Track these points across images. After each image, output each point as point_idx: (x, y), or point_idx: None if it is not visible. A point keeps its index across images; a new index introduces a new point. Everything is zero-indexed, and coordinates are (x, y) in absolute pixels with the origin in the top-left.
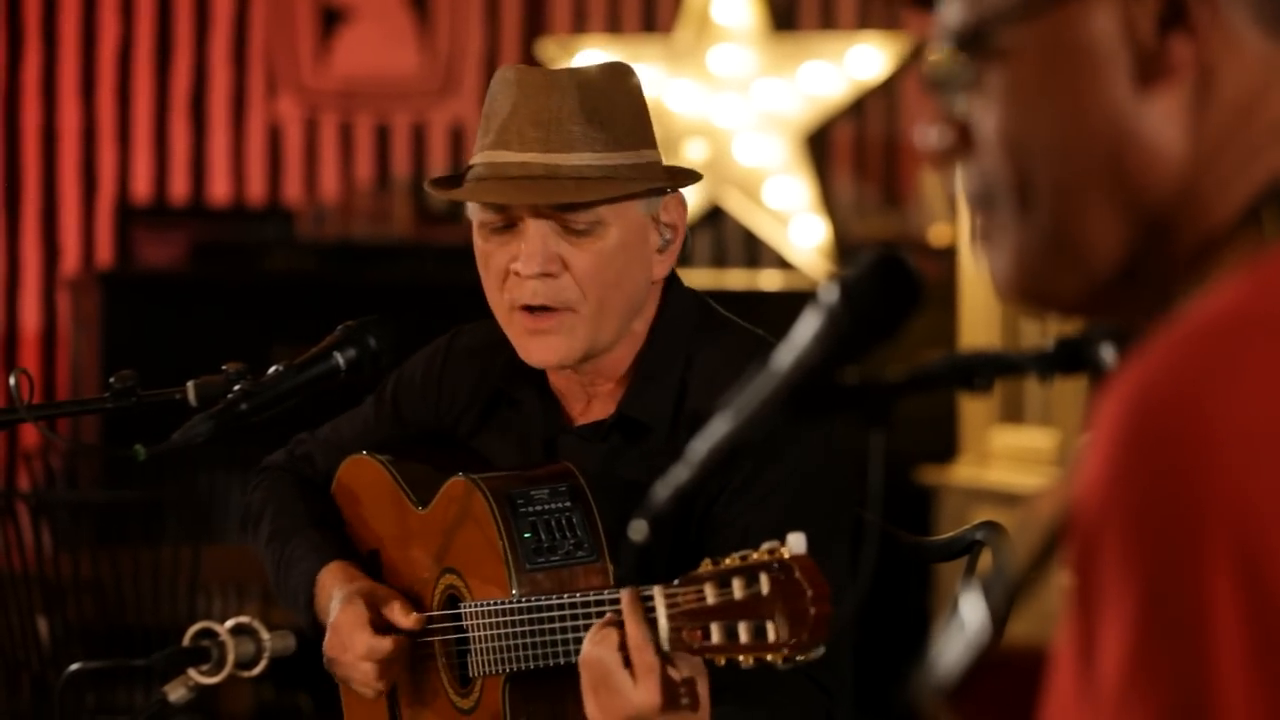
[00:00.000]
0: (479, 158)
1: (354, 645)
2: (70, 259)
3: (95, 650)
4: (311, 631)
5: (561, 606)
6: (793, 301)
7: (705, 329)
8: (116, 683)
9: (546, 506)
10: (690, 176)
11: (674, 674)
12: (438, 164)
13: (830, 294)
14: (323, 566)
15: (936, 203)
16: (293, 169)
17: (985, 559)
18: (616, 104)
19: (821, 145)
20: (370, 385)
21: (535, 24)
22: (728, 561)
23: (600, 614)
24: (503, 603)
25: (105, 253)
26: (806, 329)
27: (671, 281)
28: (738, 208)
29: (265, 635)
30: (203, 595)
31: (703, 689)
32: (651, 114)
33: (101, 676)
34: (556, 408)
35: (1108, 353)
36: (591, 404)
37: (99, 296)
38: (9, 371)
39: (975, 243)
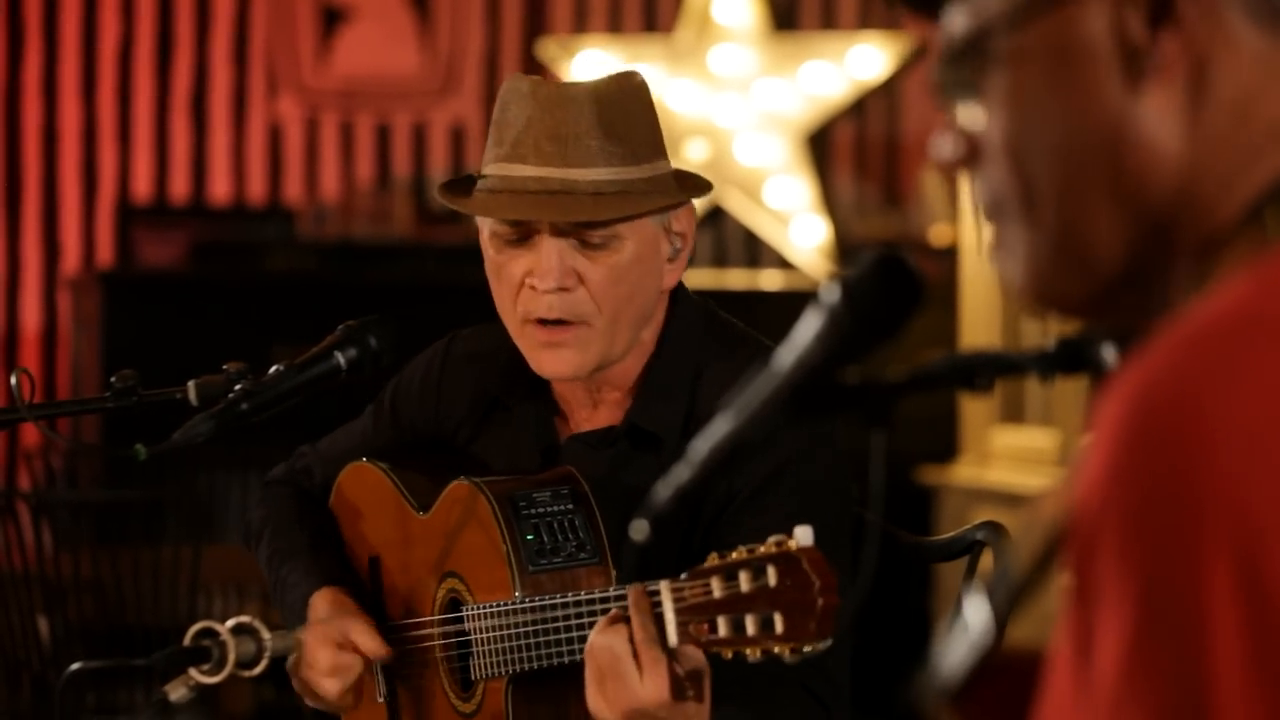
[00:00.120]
0: (492, 169)
1: (316, 661)
2: (71, 259)
3: (96, 650)
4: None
5: (565, 605)
6: (793, 301)
7: (713, 338)
8: (117, 682)
9: (549, 509)
10: (701, 185)
11: (679, 669)
12: (438, 164)
13: (831, 294)
14: (314, 592)
15: (937, 203)
16: (293, 169)
17: (986, 559)
18: (631, 116)
19: (822, 145)
20: (371, 385)
21: (536, 24)
22: (734, 555)
23: (605, 612)
24: (506, 604)
25: (106, 252)
26: (808, 329)
27: (678, 289)
28: (738, 208)
29: (266, 635)
30: (203, 595)
31: (706, 683)
32: None
33: (102, 676)
34: (558, 414)
35: (1108, 353)
36: (597, 411)
37: (99, 296)
38: (9, 371)
39: (990, 251)
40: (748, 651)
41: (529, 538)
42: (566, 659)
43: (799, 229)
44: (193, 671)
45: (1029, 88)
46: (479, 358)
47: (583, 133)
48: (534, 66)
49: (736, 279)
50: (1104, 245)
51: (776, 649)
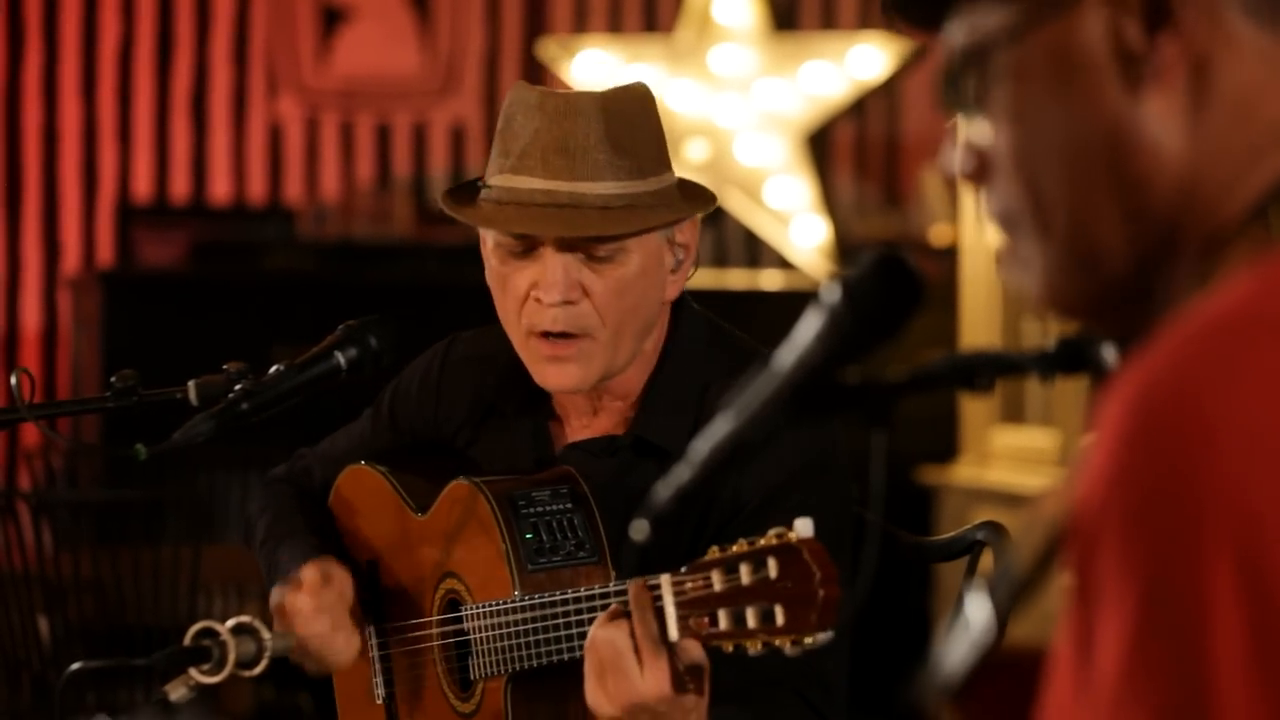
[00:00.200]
0: (498, 180)
1: (299, 607)
2: (71, 258)
3: (96, 650)
4: None
5: (565, 602)
6: (793, 301)
7: (719, 351)
8: (117, 682)
9: (548, 508)
10: (707, 197)
11: (680, 663)
12: (438, 164)
13: (832, 294)
14: (305, 564)
15: (937, 203)
16: (293, 169)
17: (986, 559)
18: (638, 129)
19: (822, 145)
20: (371, 385)
21: (536, 23)
22: (735, 548)
23: (604, 608)
24: (505, 603)
25: (106, 252)
26: (808, 329)
27: (681, 302)
28: (739, 208)
29: (266, 635)
30: (203, 595)
31: (705, 678)
32: None
33: (102, 676)
34: (555, 420)
35: (1108, 353)
36: (595, 419)
37: (100, 296)
38: (10, 371)
39: (1003, 263)
40: (748, 644)
41: (528, 537)
42: (566, 656)
43: (799, 229)
44: (193, 671)
45: (1031, 100)
46: (478, 361)
47: (591, 146)
48: (534, 66)
49: (737, 279)
50: (1111, 250)
51: (777, 641)
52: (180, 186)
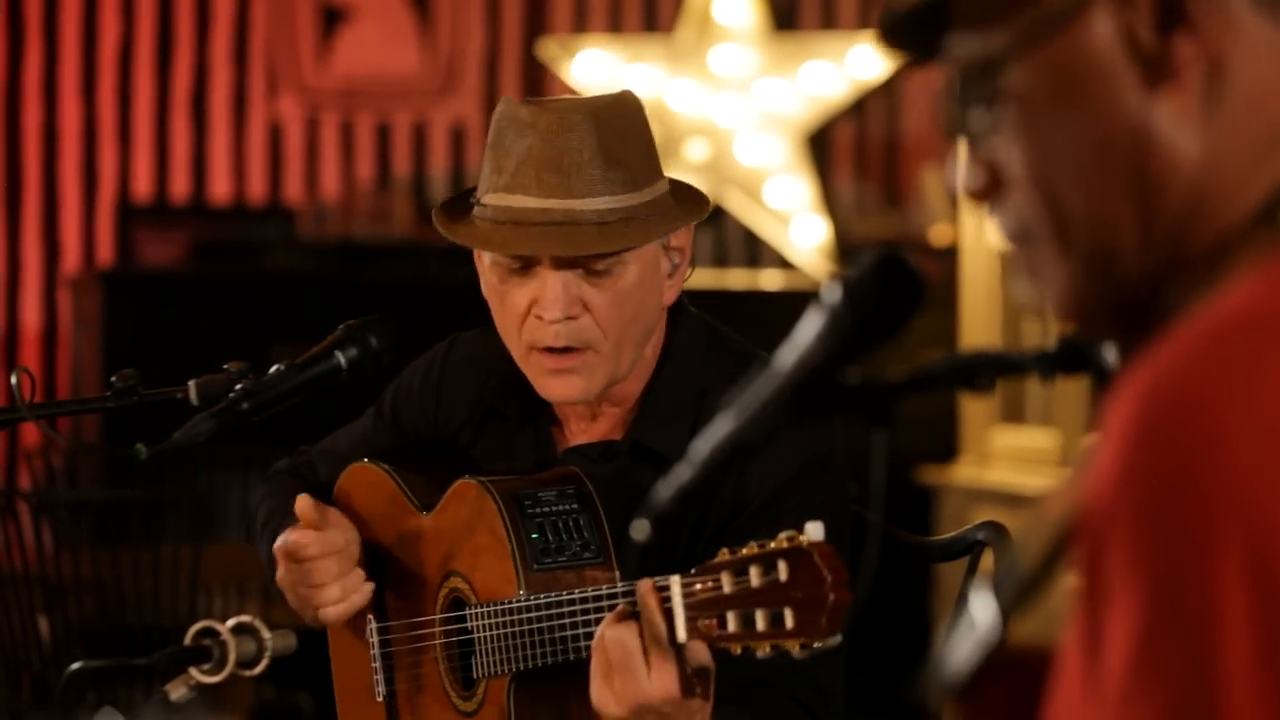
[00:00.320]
0: (491, 199)
1: (302, 549)
2: (71, 258)
3: (96, 649)
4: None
5: (572, 602)
6: (794, 301)
7: (716, 356)
8: (117, 682)
9: (554, 508)
10: (700, 201)
11: (687, 666)
12: (439, 163)
13: (833, 294)
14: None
15: (937, 203)
16: (293, 168)
17: (987, 559)
18: (630, 140)
19: (822, 145)
20: (371, 385)
21: (536, 23)
22: (745, 550)
23: (611, 609)
24: (509, 602)
25: (106, 252)
26: (808, 329)
27: (679, 306)
28: (739, 207)
29: (266, 634)
30: (203, 594)
31: (711, 681)
32: (653, 114)
33: (102, 676)
34: (555, 424)
35: (1109, 353)
36: (595, 423)
37: (100, 295)
38: (10, 370)
39: (1019, 278)
40: (756, 647)
41: (534, 536)
42: (571, 656)
43: (799, 229)
44: (193, 671)
45: (1045, 112)
46: (479, 362)
47: (585, 161)
48: (534, 66)
49: (737, 279)
50: (1128, 257)
51: (786, 644)
52: (180, 186)
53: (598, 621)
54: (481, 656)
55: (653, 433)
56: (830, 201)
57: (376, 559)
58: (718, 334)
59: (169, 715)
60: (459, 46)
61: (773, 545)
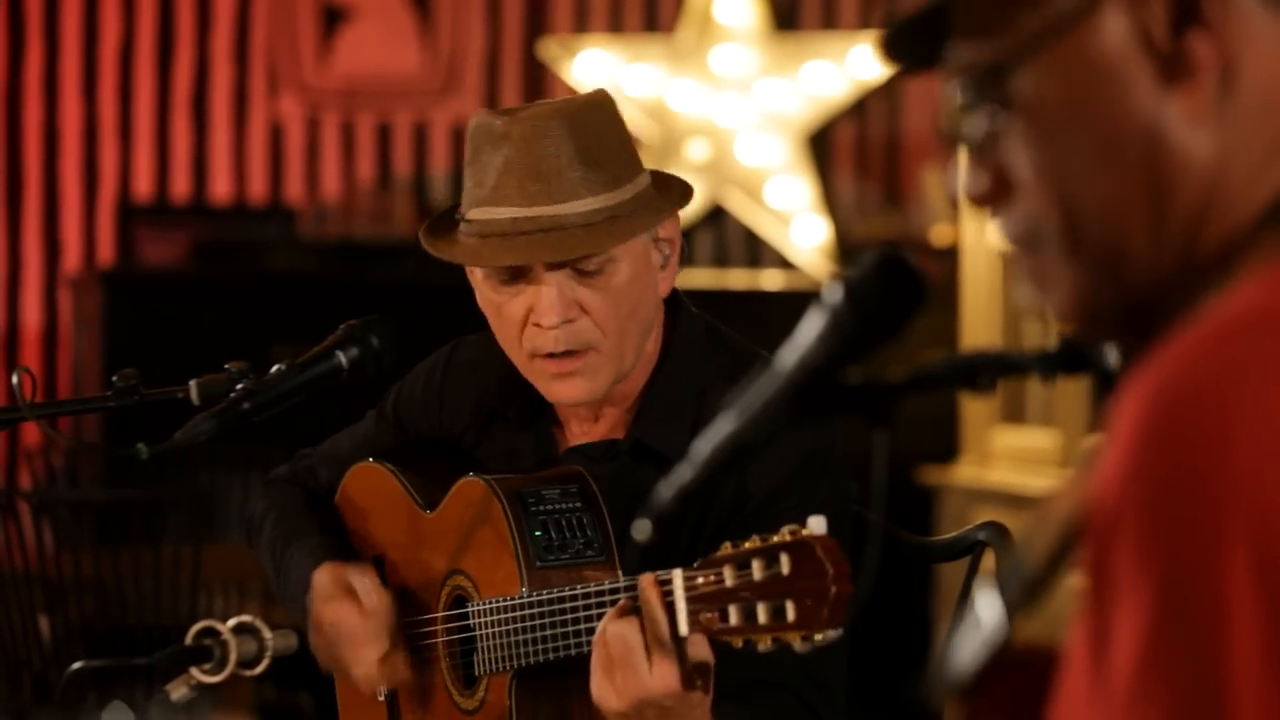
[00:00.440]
0: (475, 213)
1: (331, 615)
2: (72, 257)
3: (97, 649)
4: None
5: (574, 598)
6: (794, 301)
7: (716, 354)
8: (118, 682)
9: (558, 506)
10: (683, 190)
11: (688, 660)
12: (439, 163)
13: (834, 294)
14: (318, 567)
15: (938, 203)
16: (294, 168)
17: (988, 560)
18: (606, 139)
19: (823, 145)
20: (372, 385)
21: (537, 23)
22: (747, 544)
23: (613, 604)
24: (512, 599)
25: (107, 251)
26: (810, 329)
27: (677, 303)
28: (739, 208)
29: (267, 634)
30: (204, 594)
31: (711, 676)
32: (654, 114)
33: (103, 675)
34: (556, 425)
35: (1111, 354)
36: (597, 424)
37: (100, 295)
38: (11, 370)
39: (1023, 283)
40: (758, 640)
41: (537, 534)
42: (573, 652)
43: (800, 229)
44: (194, 671)
45: (1055, 115)
46: (481, 365)
47: (564, 166)
48: (535, 66)
49: (737, 279)
50: (1139, 260)
51: (787, 637)
52: (181, 186)
53: (599, 617)
54: (483, 654)
55: (653, 431)
56: (831, 201)
57: (381, 558)
58: (717, 332)
59: (173, 715)
60: (460, 46)
61: (775, 539)
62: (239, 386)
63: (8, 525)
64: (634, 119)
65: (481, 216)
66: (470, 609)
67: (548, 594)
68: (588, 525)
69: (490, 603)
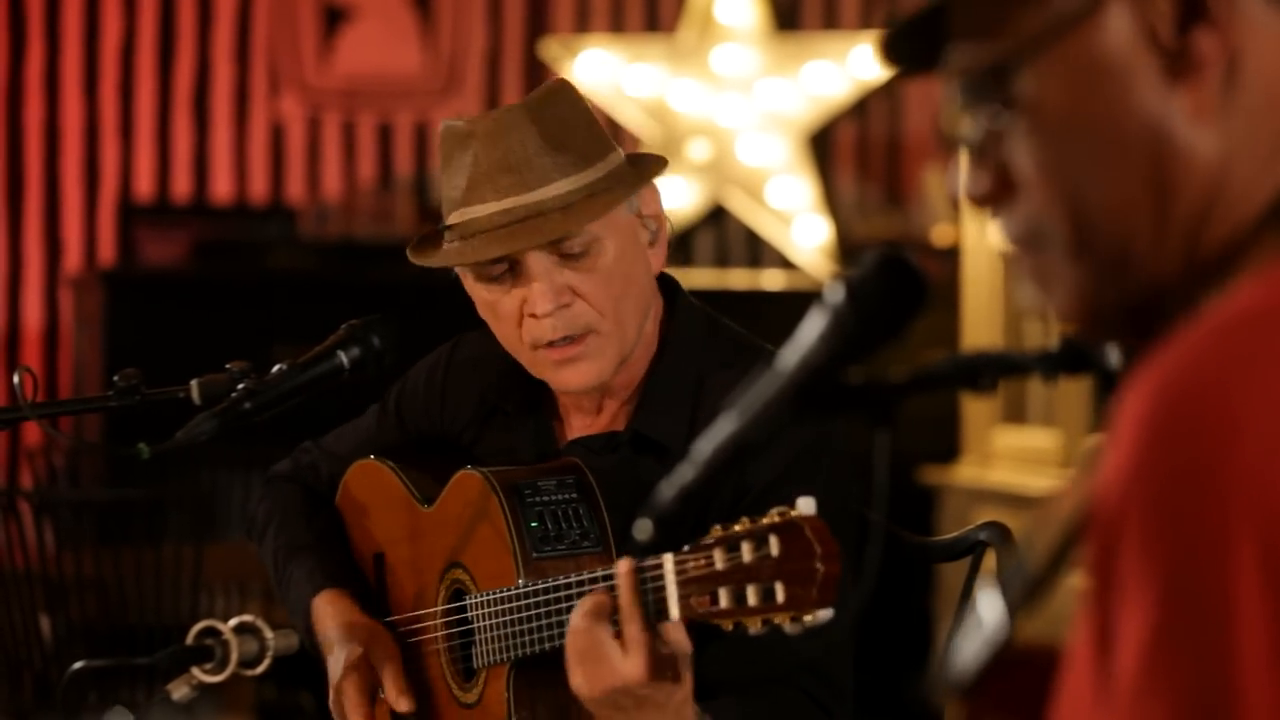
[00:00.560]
0: (455, 217)
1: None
2: (72, 257)
3: (98, 649)
4: (313, 650)
5: (568, 587)
6: (795, 301)
7: (715, 344)
8: (119, 681)
9: (554, 497)
10: (657, 162)
11: (662, 648)
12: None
13: (835, 294)
14: (316, 594)
15: (939, 203)
16: (295, 168)
17: (989, 559)
18: (570, 123)
19: (824, 145)
20: (373, 385)
21: (538, 23)
22: (737, 527)
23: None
24: (508, 590)
25: (107, 251)
26: (811, 329)
27: (676, 293)
28: (740, 207)
29: (269, 634)
30: (205, 594)
31: (686, 665)
32: (655, 114)
33: (104, 675)
34: (557, 419)
35: (1112, 354)
36: (598, 417)
37: (101, 295)
38: (12, 369)
39: (1025, 284)
40: (748, 622)
41: (533, 525)
42: None
43: (801, 229)
44: (195, 670)
45: (1060, 114)
46: (483, 362)
47: (531, 155)
48: (536, 66)
49: (738, 279)
50: (1143, 259)
51: (777, 619)
52: (182, 185)
53: None
54: (481, 645)
55: (652, 423)
56: (832, 201)
57: (382, 554)
58: (716, 322)
59: (174, 715)
60: (461, 46)
61: (764, 520)
62: (240, 386)
63: (9, 525)
64: (635, 119)
65: (461, 219)
66: (468, 601)
67: (542, 584)
68: (584, 516)
69: (487, 595)
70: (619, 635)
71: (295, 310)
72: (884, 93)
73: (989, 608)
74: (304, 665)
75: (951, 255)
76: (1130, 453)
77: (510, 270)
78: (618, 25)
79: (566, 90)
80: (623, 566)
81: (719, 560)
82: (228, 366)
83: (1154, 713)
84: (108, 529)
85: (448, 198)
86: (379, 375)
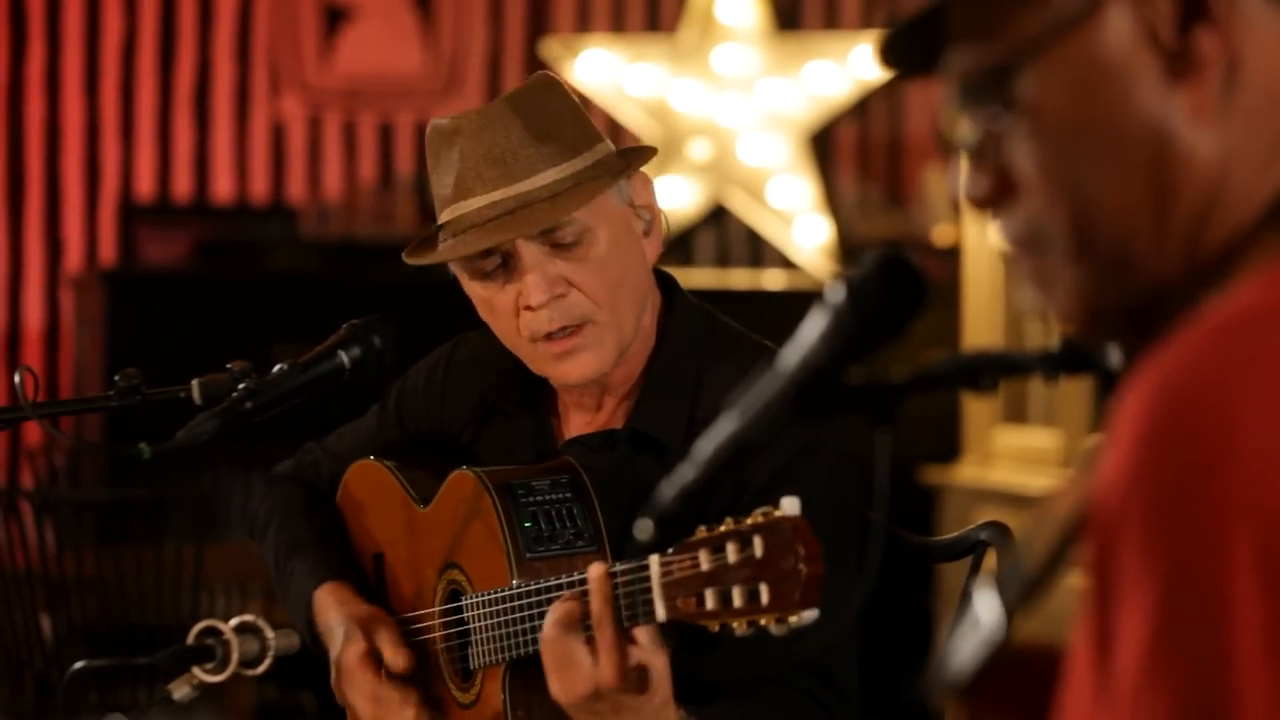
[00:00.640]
0: (446, 215)
1: (361, 686)
2: (73, 257)
3: (99, 649)
4: (314, 647)
5: (560, 588)
6: (796, 301)
7: (713, 339)
8: (120, 681)
9: (547, 497)
10: (645, 151)
11: (634, 652)
12: None
13: (836, 294)
14: (318, 587)
15: (940, 203)
16: (296, 167)
17: (989, 559)
18: (554, 114)
19: (825, 145)
20: (374, 385)
21: (539, 23)
22: (722, 527)
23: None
24: (502, 590)
25: (108, 250)
26: (812, 329)
27: (674, 290)
28: (741, 207)
29: (269, 634)
30: (206, 594)
31: (663, 669)
32: (656, 114)
33: (105, 675)
34: (556, 417)
35: (1113, 354)
36: (597, 415)
37: (102, 294)
38: (12, 369)
39: (1025, 285)
40: (734, 623)
41: (527, 525)
42: None
43: (802, 229)
44: (196, 670)
45: (1061, 116)
46: (483, 362)
47: (516, 146)
48: (537, 66)
49: (739, 279)
50: (1144, 259)
51: (762, 620)
52: (183, 185)
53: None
54: (477, 646)
55: (651, 420)
56: (833, 201)
57: (380, 555)
58: (714, 319)
59: (175, 715)
60: (462, 46)
61: (748, 521)
62: (241, 386)
63: (10, 524)
64: (636, 119)
65: (451, 216)
66: (464, 602)
67: (535, 584)
68: (578, 515)
69: (482, 595)
70: (591, 641)
71: (296, 310)
72: (885, 93)
73: (986, 608)
74: (305, 665)
75: (952, 255)
76: (1129, 453)
77: (504, 264)
78: (618, 25)
79: (551, 83)
80: (594, 571)
81: (704, 561)
82: (228, 366)
83: (1153, 712)
84: (108, 529)
85: (439, 196)
86: (379, 375)
